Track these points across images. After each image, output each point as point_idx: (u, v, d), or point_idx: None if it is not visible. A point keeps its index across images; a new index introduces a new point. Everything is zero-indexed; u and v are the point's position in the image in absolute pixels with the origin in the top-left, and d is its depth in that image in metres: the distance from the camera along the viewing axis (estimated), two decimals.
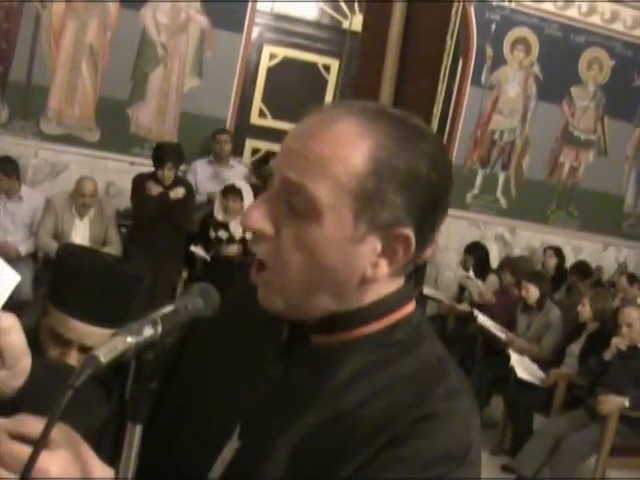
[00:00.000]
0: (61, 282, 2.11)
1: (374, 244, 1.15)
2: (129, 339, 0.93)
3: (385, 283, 1.20)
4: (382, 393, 1.14)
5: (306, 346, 1.22)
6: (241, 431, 1.20)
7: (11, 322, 1.04)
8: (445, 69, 4.50)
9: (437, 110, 4.67)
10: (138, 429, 0.94)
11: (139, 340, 0.94)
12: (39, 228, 6.99)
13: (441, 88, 4.44)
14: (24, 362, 1.05)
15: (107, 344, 0.92)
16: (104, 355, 0.90)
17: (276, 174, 1.16)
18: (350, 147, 1.12)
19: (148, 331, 0.95)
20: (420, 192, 1.14)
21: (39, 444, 0.88)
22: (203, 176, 7.89)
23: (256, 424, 1.20)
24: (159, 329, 0.96)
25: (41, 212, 7.04)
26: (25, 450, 0.96)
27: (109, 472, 1.03)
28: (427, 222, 1.17)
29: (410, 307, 1.24)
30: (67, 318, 2.07)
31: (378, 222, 1.13)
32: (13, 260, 6.81)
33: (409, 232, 1.14)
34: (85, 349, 2.10)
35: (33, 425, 0.99)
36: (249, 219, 1.15)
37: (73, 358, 2.10)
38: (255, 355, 1.27)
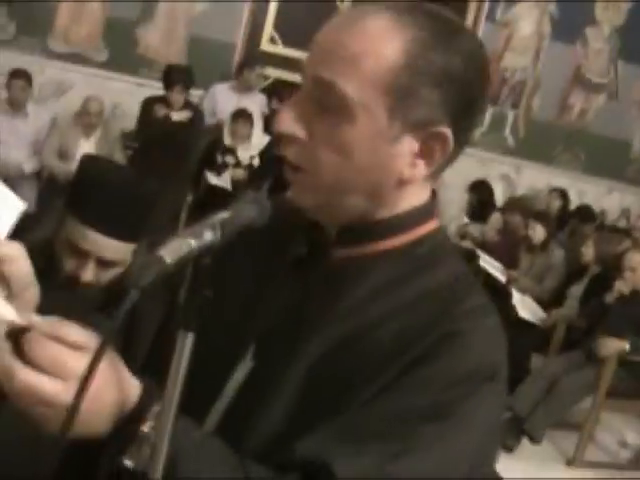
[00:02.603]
0: (82, 192, 2.08)
1: (411, 144, 1.11)
2: (192, 242, 0.90)
3: (418, 189, 1.18)
4: (405, 309, 1.12)
5: (325, 262, 1.19)
6: (255, 351, 1.19)
7: (17, 251, 1.01)
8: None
9: None
10: (190, 337, 0.92)
11: (201, 244, 0.91)
12: (44, 146, 6.91)
13: (469, 19, 4.36)
14: (31, 291, 1.02)
15: (171, 245, 0.89)
16: (169, 255, 0.87)
17: (306, 73, 1.13)
18: (381, 41, 1.08)
19: (208, 235, 0.92)
20: (457, 88, 1.11)
21: (98, 355, 0.85)
22: (224, 101, 7.77)
23: (271, 344, 1.18)
24: (218, 234, 0.93)
25: (46, 130, 6.96)
26: (66, 355, 0.94)
27: (138, 386, 1.02)
28: (464, 121, 1.14)
29: (434, 223, 1.22)
30: (86, 229, 2.04)
31: (413, 120, 1.10)
32: (16, 178, 6.77)
33: (446, 130, 1.11)
34: (102, 262, 2.09)
35: (74, 331, 0.97)
36: (280, 123, 1.12)
37: (89, 271, 2.08)
38: (271, 274, 1.25)
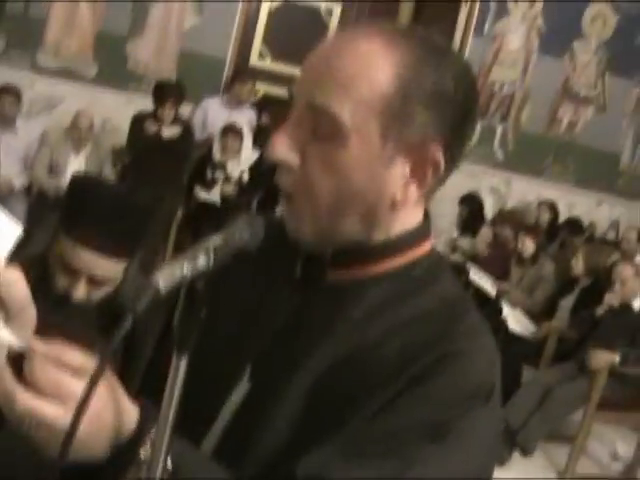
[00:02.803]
0: (74, 211, 2.10)
1: (403, 166, 1.12)
2: (186, 267, 0.91)
3: (411, 211, 1.19)
4: (402, 330, 1.12)
5: (321, 283, 1.19)
6: (252, 373, 1.19)
7: (15, 275, 1.02)
8: (464, 15, 4.44)
9: None
10: (184, 360, 0.93)
11: (194, 268, 0.92)
12: (34, 162, 6.89)
13: (459, 33, 4.40)
14: (28, 313, 1.03)
15: (165, 271, 0.89)
16: (163, 281, 0.88)
17: (298, 98, 1.13)
18: (374, 64, 1.09)
19: (202, 260, 0.93)
20: (447, 108, 1.12)
21: (95, 379, 0.86)
22: (214, 115, 7.78)
23: (267, 365, 1.18)
24: (211, 258, 0.94)
25: (36, 145, 6.95)
26: (66, 379, 0.95)
27: (136, 410, 1.02)
28: (455, 139, 1.15)
29: (428, 244, 1.23)
30: (78, 247, 2.05)
31: (406, 141, 1.11)
32: (6, 194, 6.76)
33: (438, 151, 1.12)
34: (94, 280, 2.10)
35: (73, 355, 0.97)
36: (273, 150, 1.11)
37: (81, 288, 2.09)
38: (266, 295, 1.25)
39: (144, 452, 1.00)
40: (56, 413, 0.93)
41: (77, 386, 0.94)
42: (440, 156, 1.13)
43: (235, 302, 1.27)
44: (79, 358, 0.97)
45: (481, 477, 1.13)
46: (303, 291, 1.21)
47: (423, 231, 1.22)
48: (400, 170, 1.12)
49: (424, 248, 1.22)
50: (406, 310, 1.15)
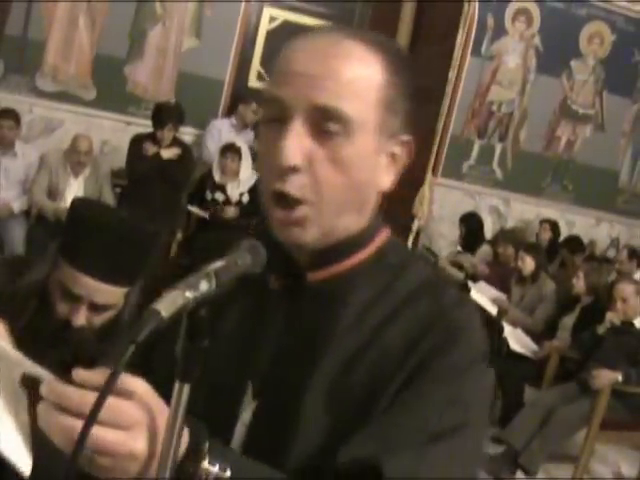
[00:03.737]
0: (74, 237, 2.08)
1: (386, 154, 1.21)
2: (187, 293, 0.90)
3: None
4: (395, 317, 1.18)
5: (303, 289, 1.22)
6: (256, 390, 1.20)
7: None
8: (462, 35, 4.45)
9: (452, 75, 4.62)
10: (187, 389, 0.91)
11: (197, 295, 0.91)
12: (33, 185, 6.89)
13: (457, 54, 4.40)
14: None
15: (166, 298, 0.89)
16: (165, 309, 0.87)
17: (296, 102, 1.13)
18: (367, 63, 1.16)
19: (204, 286, 0.92)
20: (412, 99, 1.22)
21: (102, 395, 0.86)
22: (224, 138, 7.75)
23: (272, 379, 1.19)
24: (213, 284, 0.93)
25: (35, 169, 6.94)
26: (123, 405, 0.94)
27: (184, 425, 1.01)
28: (413, 120, 1.25)
29: (387, 231, 1.29)
30: (78, 274, 2.04)
31: (392, 131, 1.19)
32: (5, 217, 6.75)
33: (410, 138, 1.23)
34: (95, 306, 2.08)
35: (126, 380, 0.96)
36: (287, 157, 1.11)
37: (82, 314, 2.08)
38: (256, 313, 1.26)
39: (205, 466, 1.00)
40: (118, 439, 0.93)
41: (135, 410, 0.94)
42: (410, 138, 1.22)
43: (229, 326, 1.27)
44: (131, 383, 0.96)
45: (486, 424, 1.22)
46: (289, 301, 1.23)
47: (380, 220, 1.29)
48: (385, 158, 1.21)
49: (386, 234, 1.28)
50: (393, 296, 1.20)
